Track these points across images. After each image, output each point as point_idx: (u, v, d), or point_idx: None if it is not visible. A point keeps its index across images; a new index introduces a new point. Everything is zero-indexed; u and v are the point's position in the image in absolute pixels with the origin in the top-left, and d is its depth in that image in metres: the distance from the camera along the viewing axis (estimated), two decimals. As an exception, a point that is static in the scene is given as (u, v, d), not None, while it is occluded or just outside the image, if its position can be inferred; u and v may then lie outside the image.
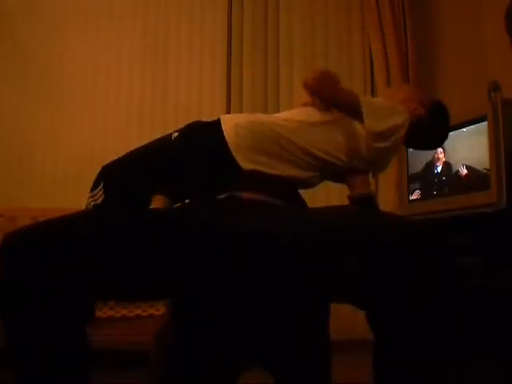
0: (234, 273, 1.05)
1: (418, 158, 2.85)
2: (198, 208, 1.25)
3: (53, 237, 1.02)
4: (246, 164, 1.48)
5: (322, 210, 1.33)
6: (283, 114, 1.63)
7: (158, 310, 2.58)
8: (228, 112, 3.76)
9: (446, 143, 2.66)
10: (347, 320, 3.47)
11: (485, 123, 2.41)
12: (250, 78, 3.76)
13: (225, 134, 1.51)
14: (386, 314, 1.04)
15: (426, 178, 2.79)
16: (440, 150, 2.67)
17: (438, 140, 1.80)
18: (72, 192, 3.38)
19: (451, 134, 2.63)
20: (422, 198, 2.85)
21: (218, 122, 1.56)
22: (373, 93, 3.74)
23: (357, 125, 1.58)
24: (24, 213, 3.00)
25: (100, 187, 1.55)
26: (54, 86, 3.73)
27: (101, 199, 1.53)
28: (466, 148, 2.57)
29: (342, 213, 1.22)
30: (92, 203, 1.55)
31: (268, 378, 1.34)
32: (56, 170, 3.62)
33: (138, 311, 2.65)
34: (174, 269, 1.06)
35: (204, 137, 1.56)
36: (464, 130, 2.58)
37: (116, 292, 1.17)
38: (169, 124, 3.58)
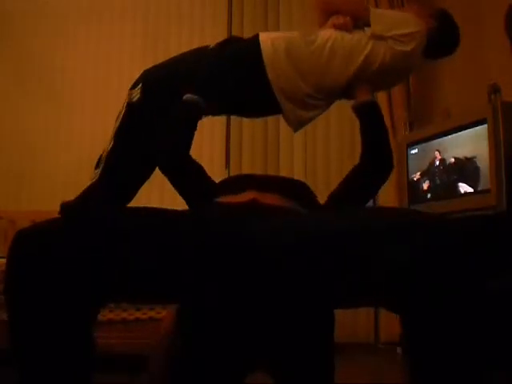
0: (243, 277, 1.05)
1: (423, 159, 2.90)
2: (218, 212, 1.24)
3: (62, 236, 1.02)
4: (275, 79, 1.56)
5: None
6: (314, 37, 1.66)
7: (159, 312, 2.57)
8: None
9: (446, 145, 2.71)
10: (348, 323, 3.47)
11: (485, 126, 2.41)
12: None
13: (261, 45, 1.58)
14: (416, 317, 1.03)
15: (430, 171, 2.85)
16: (437, 152, 2.76)
17: (452, 46, 1.85)
18: (72, 195, 3.38)
19: (451, 136, 2.69)
20: (426, 198, 2.86)
21: (255, 37, 1.63)
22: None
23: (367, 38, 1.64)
24: (24, 215, 3.01)
25: (139, 87, 1.65)
26: (54, 90, 3.73)
27: (136, 97, 1.63)
28: (466, 150, 2.58)
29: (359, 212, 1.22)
30: (126, 101, 1.65)
31: (268, 379, 1.34)
32: (56, 173, 3.62)
33: (138, 314, 2.64)
34: (182, 271, 1.06)
35: (240, 48, 1.65)
36: (464, 132, 2.58)
37: (124, 294, 1.16)
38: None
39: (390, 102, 3.57)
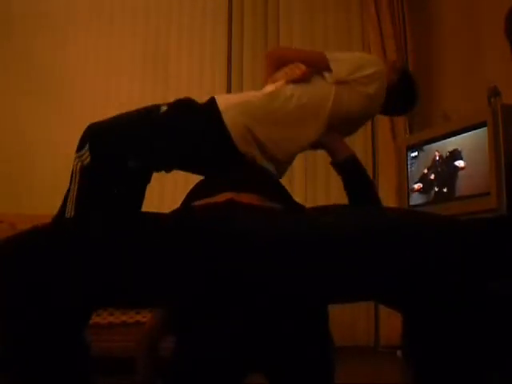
0: (236, 280, 1.05)
1: (423, 162, 2.92)
2: (197, 214, 1.24)
3: (51, 243, 1.02)
4: (243, 147, 1.49)
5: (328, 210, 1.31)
6: (266, 100, 1.57)
7: (158, 316, 2.57)
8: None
9: (446, 147, 2.72)
10: (348, 326, 3.47)
11: (485, 129, 2.42)
12: (250, 82, 3.77)
13: (223, 117, 1.48)
14: (416, 318, 1.02)
15: (433, 167, 2.86)
16: (437, 153, 2.79)
17: (409, 104, 1.83)
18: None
19: (451, 139, 2.69)
20: (424, 203, 2.87)
21: (212, 102, 1.52)
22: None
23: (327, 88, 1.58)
24: (24, 219, 3.00)
25: (86, 148, 1.57)
26: (55, 92, 3.73)
27: (87, 160, 1.54)
28: (466, 152, 2.58)
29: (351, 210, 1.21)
30: (79, 164, 1.56)
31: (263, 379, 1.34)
32: (56, 176, 3.62)
33: (138, 317, 2.64)
34: (174, 277, 1.06)
35: (198, 117, 1.53)
36: (464, 135, 2.59)
37: (114, 299, 1.16)
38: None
39: (390, 105, 3.57)
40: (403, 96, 1.76)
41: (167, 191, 3.52)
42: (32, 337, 0.96)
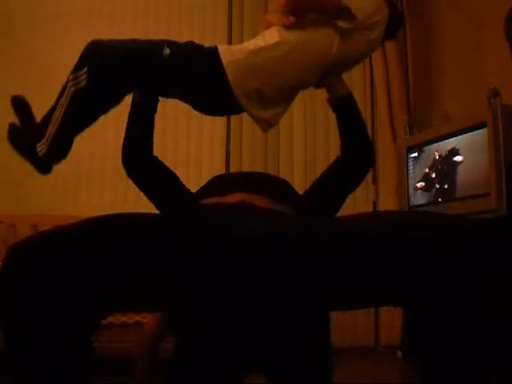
0: (239, 281, 1.05)
1: (423, 163, 2.94)
2: (207, 214, 1.24)
3: (58, 248, 1.02)
4: (242, 99, 1.47)
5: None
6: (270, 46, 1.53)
7: (158, 316, 2.57)
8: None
9: (446, 148, 2.72)
10: (348, 327, 3.47)
11: (485, 129, 2.42)
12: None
13: (222, 56, 1.47)
14: (421, 317, 1.02)
15: (433, 166, 2.88)
16: (436, 153, 2.80)
17: (399, 28, 1.86)
18: (72, 199, 3.38)
19: (451, 139, 2.69)
20: (425, 204, 2.87)
21: (217, 61, 1.49)
22: (373, 104, 3.75)
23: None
24: (24, 220, 3.00)
25: (84, 71, 1.51)
26: (55, 93, 3.73)
27: (82, 84, 1.49)
28: (466, 153, 2.58)
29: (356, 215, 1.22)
30: (73, 88, 1.52)
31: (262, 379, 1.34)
32: (56, 177, 3.61)
33: (138, 318, 2.65)
34: (178, 276, 1.06)
35: (201, 75, 1.50)
36: (464, 136, 2.59)
37: (121, 303, 1.16)
38: (169, 125, 3.61)
39: (390, 106, 3.58)
40: (395, 22, 1.76)
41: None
42: (34, 338, 0.96)
